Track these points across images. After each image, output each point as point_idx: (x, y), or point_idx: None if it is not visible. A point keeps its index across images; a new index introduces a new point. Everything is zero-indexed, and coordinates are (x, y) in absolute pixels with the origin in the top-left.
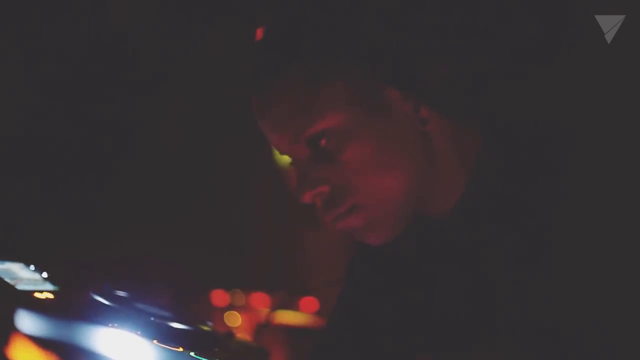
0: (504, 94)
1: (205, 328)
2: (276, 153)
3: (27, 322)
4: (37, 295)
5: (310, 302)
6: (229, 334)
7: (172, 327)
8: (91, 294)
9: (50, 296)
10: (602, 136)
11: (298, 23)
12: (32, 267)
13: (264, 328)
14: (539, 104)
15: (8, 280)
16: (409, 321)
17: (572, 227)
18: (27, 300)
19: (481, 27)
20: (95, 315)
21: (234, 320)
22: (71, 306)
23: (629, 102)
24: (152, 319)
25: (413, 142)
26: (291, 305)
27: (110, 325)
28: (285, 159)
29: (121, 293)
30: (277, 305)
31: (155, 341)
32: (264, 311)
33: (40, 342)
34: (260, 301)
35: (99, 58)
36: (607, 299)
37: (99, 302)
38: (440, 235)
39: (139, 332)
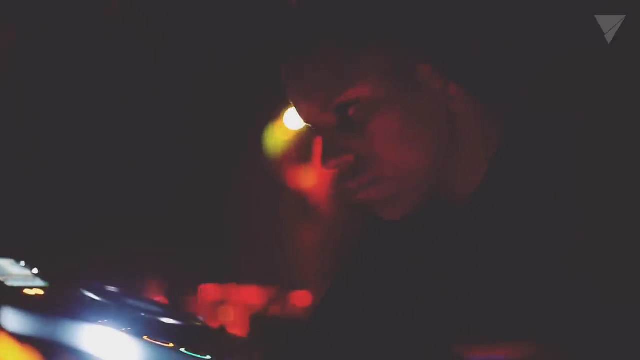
0: (534, 81)
1: (197, 323)
2: (265, 142)
3: (13, 319)
4: (26, 291)
5: (303, 296)
6: (221, 328)
7: (162, 322)
8: (81, 290)
9: (40, 292)
10: (628, 129)
11: None
12: (22, 263)
13: (256, 322)
14: (567, 94)
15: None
16: (419, 305)
17: (596, 218)
18: (16, 297)
19: (518, 10)
20: (84, 311)
21: (226, 314)
22: (60, 303)
23: None
24: (143, 314)
25: (439, 118)
26: (284, 299)
27: (99, 322)
28: (281, 143)
29: (112, 288)
30: (269, 299)
31: (145, 337)
32: (256, 305)
33: (26, 340)
34: (252, 295)
35: (89, 53)
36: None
37: (89, 298)
38: (459, 219)
39: (129, 329)
